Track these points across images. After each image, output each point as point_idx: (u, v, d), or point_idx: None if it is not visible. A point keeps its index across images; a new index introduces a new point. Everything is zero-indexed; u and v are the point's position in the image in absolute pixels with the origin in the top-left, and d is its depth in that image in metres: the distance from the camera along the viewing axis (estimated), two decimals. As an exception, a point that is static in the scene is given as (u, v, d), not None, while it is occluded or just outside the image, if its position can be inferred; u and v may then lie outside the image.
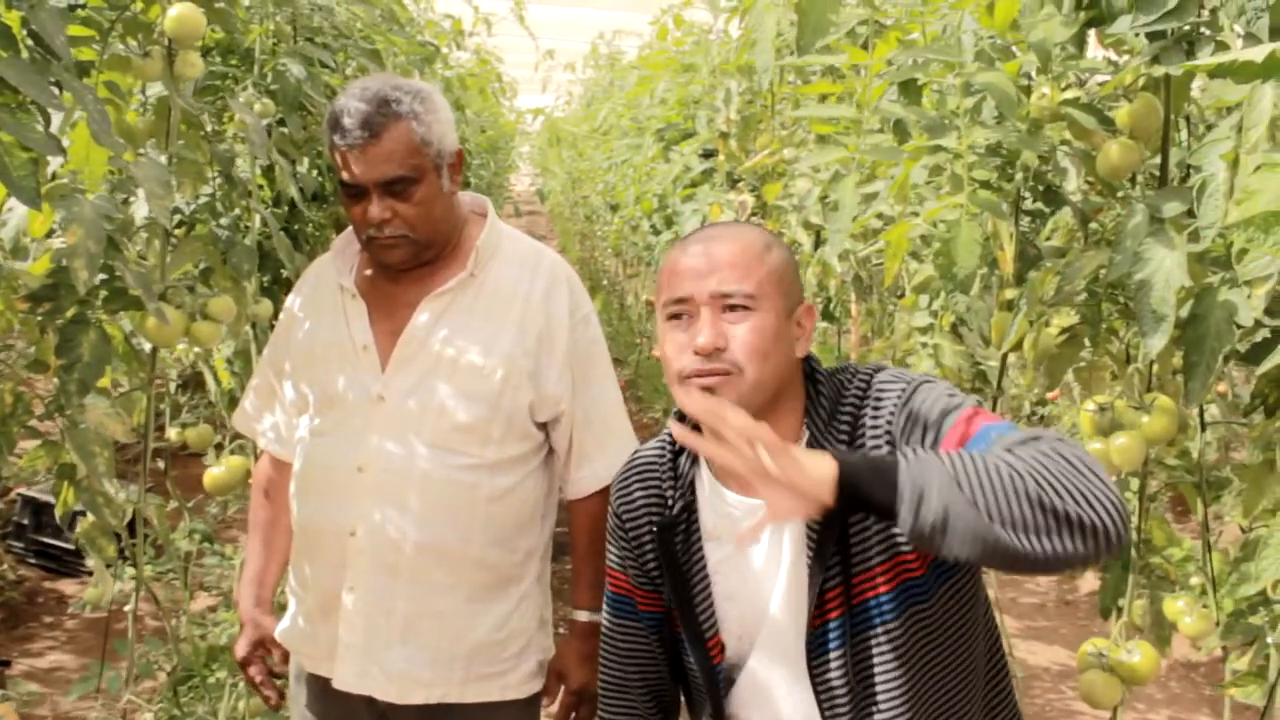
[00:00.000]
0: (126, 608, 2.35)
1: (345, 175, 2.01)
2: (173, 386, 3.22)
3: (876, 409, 1.54)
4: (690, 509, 1.67)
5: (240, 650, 2.27)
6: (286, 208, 3.05)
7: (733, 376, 1.52)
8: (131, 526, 3.03)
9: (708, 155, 4.97)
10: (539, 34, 8.88)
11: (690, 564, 1.66)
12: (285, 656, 2.28)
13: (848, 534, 1.54)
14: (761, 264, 1.56)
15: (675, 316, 1.57)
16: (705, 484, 1.67)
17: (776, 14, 1.86)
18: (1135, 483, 1.98)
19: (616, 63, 9.12)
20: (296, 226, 3.10)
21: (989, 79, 1.64)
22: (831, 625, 1.55)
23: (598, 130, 8.80)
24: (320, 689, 2.18)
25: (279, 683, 2.31)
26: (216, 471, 2.79)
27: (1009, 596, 5.43)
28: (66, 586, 5.14)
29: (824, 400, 1.59)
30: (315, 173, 3.26)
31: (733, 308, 1.53)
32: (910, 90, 1.81)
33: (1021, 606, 5.37)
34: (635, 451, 1.78)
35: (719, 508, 1.65)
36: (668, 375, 1.59)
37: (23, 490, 5.21)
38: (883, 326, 3.62)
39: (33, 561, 5.22)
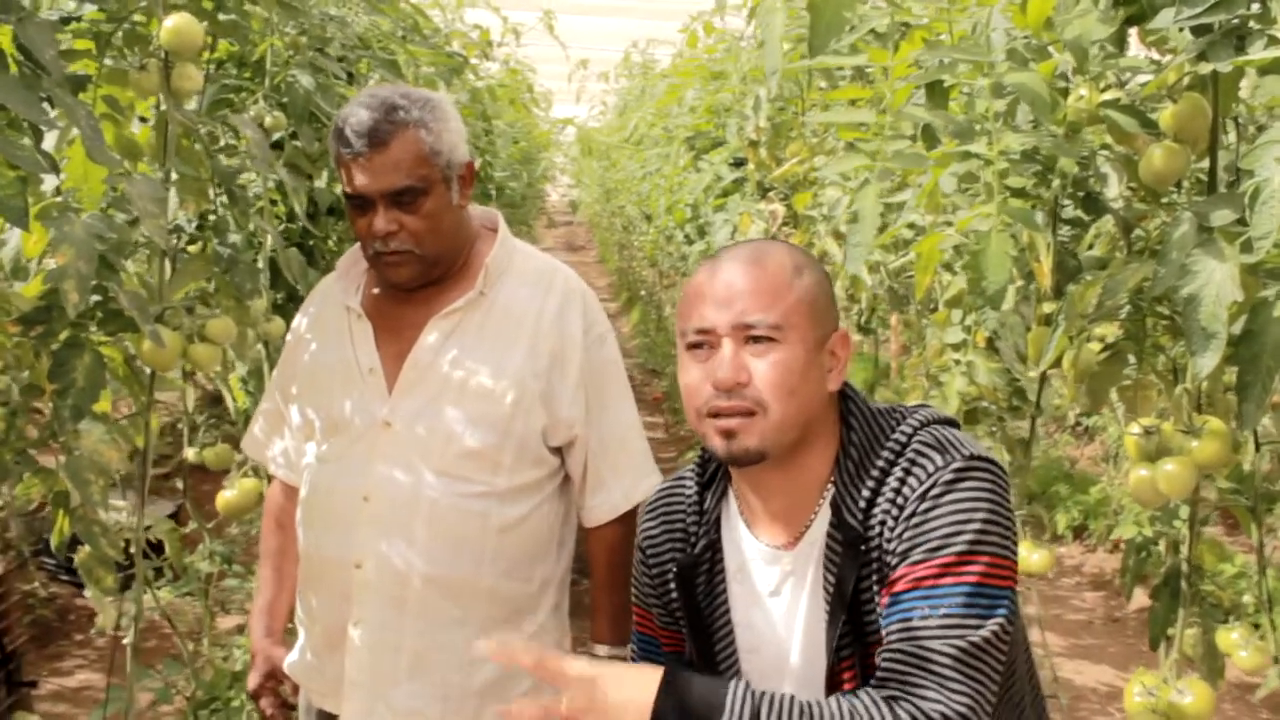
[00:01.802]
0: (125, 640, 2.28)
1: (350, 186, 1.93)
2: (191, 405, 3.14)
3: (904, 481, 1.40)
4: (715, 548, 1.56)
5: (251, 682, 2.21)
6: (301, 224, 2.97)
7: (755, 416, 1.41)
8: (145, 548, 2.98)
9: (739, 164, 4.87)
10: (571, 43, 8.82)
11: (713, 608, 1.56)
12: (296, 688, 2.21)
13: (859, 602, 1.42)
14: (790, 290, 1.43)
15: (696, 346, 1.45)
16: (732, 523, 1.56)
17: (784, 13, 1.76)
18: (1185, 509, 1.86)
19: (649, 71, 9.03)
20: (312, 242, 3.02)
21: (1020, 79, 1.52)
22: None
23: (630, 140, 8.73)
24: (328, 724, 2.10)
25: (292, 714, 2.24)
26: (229, 495, 2.72)
27: (1053, 613, 5.27)
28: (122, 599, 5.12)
29: (854, 449, 1.46)
30: (334, 186, 3.19)
31: (756, 339, 1.41)
32: (937, 93, 1.70)
33: (1067, 624, 5.22)
34: (663, 485, 1.67)
35: (743, 549, 1.54)
36: (687, 409, 1.48)
37: (53, 508, 5.20)
38: (922, 337, 3.50)
39: (64, 579, 5.19)
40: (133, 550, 3.17)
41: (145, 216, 1.83)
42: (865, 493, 1.42)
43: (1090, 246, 2.31)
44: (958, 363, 2.12)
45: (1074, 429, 6.60)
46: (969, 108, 1.66)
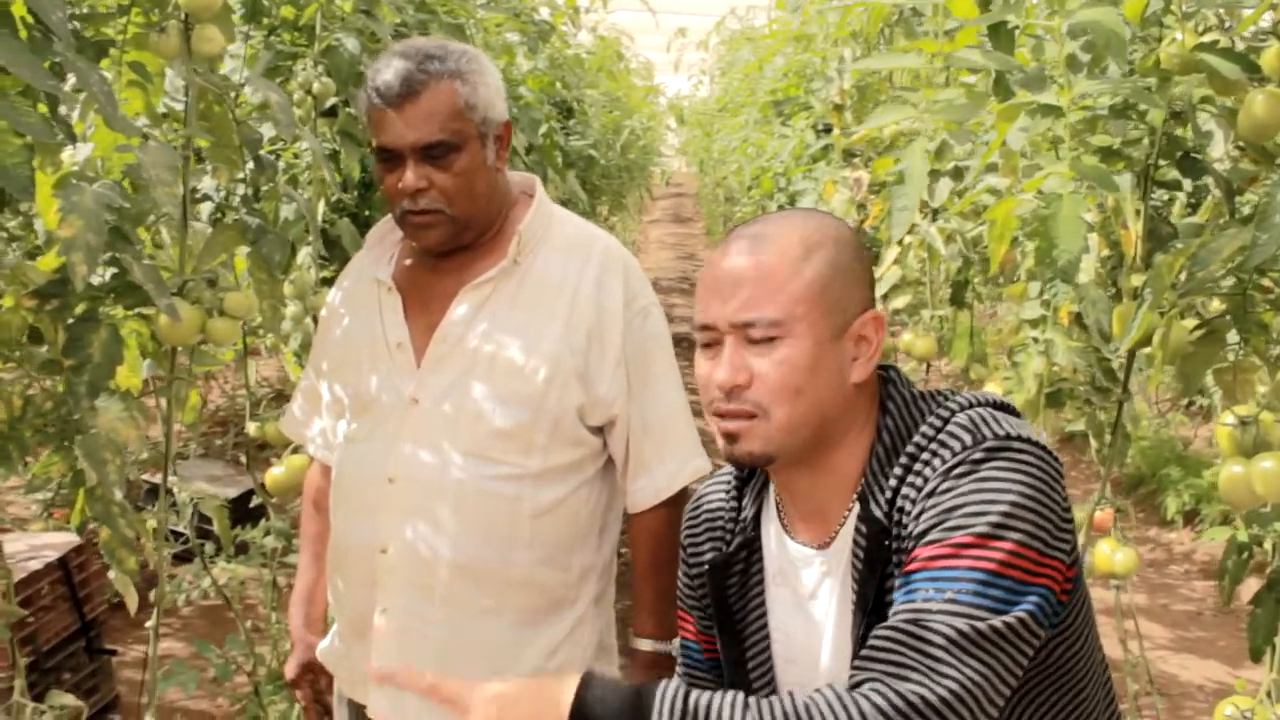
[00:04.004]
0: (148, 625, 2.23)
1: (379, 138, 1.81)
2: (252, 379, 3.10)
3: (928, 463, 1.24)
4: (752, 548, 1.43)
5: (289, 671, 2.13)
6: (356, 192, 2.89)
7: (757, 420, 1.27)
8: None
9: (828, 130, 4.69)
10: (670, 10, 8.66)
11: (746, 611, 1.43)
12: (330, 682, 2.13)
13: (887, 602, 1.26)
14: (794, 279, 1.27)
15: (705, 342, 1.32)
16: (770, 521, 1.43)
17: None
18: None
19: (745, 38, 8.83)
20: (367, 213, 2.93)
21: (1093, 16, 1.32)
22: None
23: (726, 109, 8.54)
24: (359, 716, 2.02)
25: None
26: (276, 472, 2.66)
27: (1160, 603, 5.00)
28: (186, 572, 5.18)
29: (887, 436, 1.31)
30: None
31: (758, 337, 1.27)
32: (1002, 36, 1.50)
33: (1174, 615, 4.93)
34: (709, 479, 1.54)
35: (780, 550, 1.41)
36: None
37: (145, 476, 5.26)
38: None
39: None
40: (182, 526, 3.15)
41: (157, 184, 1.74)
42: (893, 481, 1.27)
43: (1192, 212, 2.09)
44: (1036, 340, 1.92)
45: (1188, 408, 6.26)
46: (1039, 53, 1.47)
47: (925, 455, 1.25)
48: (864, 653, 1.18)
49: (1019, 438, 1.23)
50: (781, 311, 1.26)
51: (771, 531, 1.42)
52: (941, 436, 1.25)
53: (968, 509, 1.18)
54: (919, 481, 1.24)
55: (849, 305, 1.30)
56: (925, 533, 1.20)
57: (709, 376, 1.30)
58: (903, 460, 1.27)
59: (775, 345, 1.26)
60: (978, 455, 1.21)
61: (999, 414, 1.27)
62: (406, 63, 1.79)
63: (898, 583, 1.22)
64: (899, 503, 1.26)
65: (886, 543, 1.26)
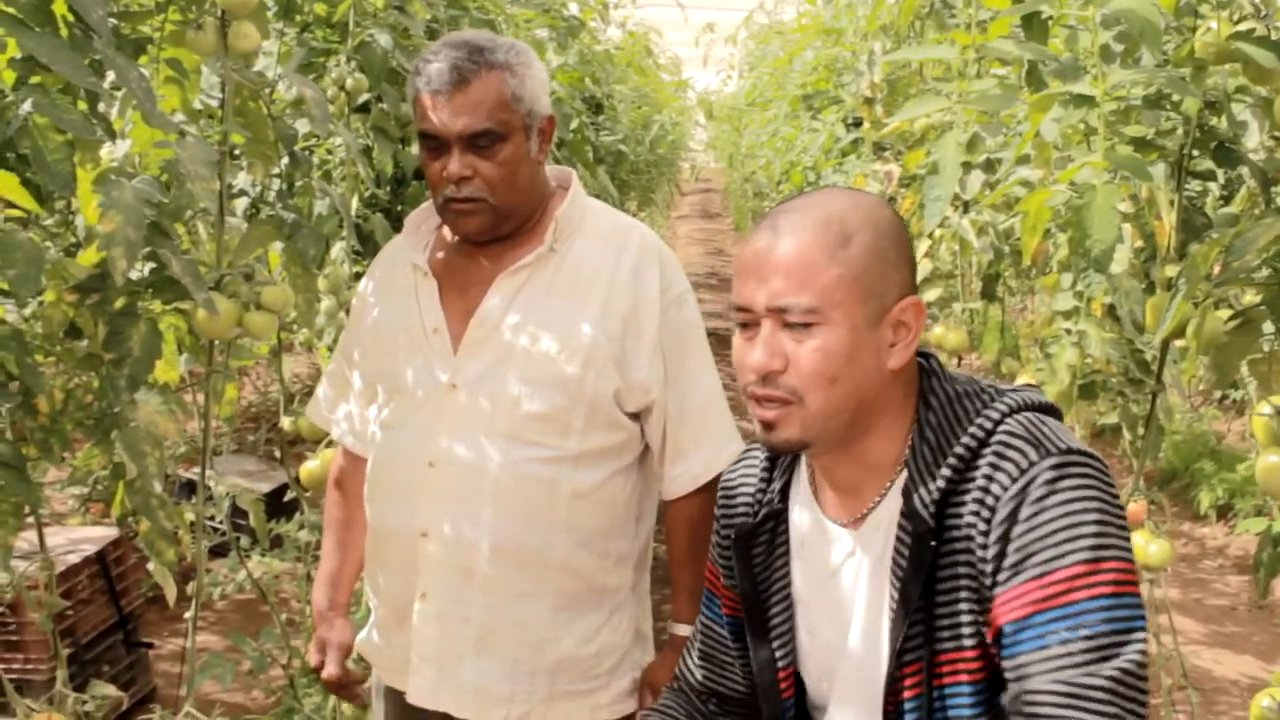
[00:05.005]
0: (186, 615, 2.25)
1: (426, 124, 1.84)
2: (286, 374, 3.13)
3: (991, 478, 1.24)
4: (779, 519, 1.44)
5: (313, 658, 2.15)
6: (389, 188, 2.91)
7: (793, 406, 1.27)
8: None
9: (858, 124, 4.67)
10: (699, 5, 8.64)
11: (770, 580, 1.44)
12: (349, 674, 2.15)
13: (934, 604, 1.27)
14: (832, 264, 1.26)
15: (743, 323, 1.32)
16: (801, 494, 1.44)
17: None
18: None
19: (775, 32, 8.80)
20: (400, 208, 2.95)
21: (1125, 5, 1.32)
22: (907, 706, 1.30)
23: (754, 103, 8.52)
24: (399, 703, 2.05)
25: (359, 690, 2.18)
26: (311, 465, 2.68)
27: (1193, 598, 4.96)
28: (222, 566, 5.23)
29: (930, 432, 1.30)
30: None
31: (793, 323, 1.27)
32: (1036, 26, 1.50)
33: (1208, 609, 4.90)
34: (751, 443, 1.55)
35: (807, 523, 1.42)
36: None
37: (180, 471, 5.31)
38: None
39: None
40: (218, 521, 3.18)
41: (194, 179, 1.76)
42: (940, 482, 1.27)
43: (1226, 203, 2.08)
44: (1069, 332, 1.92)
45: (1221, 402, 6.20)
46: (1073, 43, 1.46)
47: (984, 466, 1.24)
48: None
49: (1077, 450, 1.23)
50: (817, 299, 1.25)
51: (800, 504, 1.43)
52: (997, 445, 1.25)
53: (1060, 537, 1.19)
54: (988, 500, 1.23)
55: (887, 291, 1.29)
56: (1018, 566, 1.20)
57: (745, 358, 1.30)
58: (952, 461, 1.26)
59: (811, 331, 1.26)
60: (1048, 475, 1.21)
61: (1049, 420, 1.27)
62: (457, 53, 1.82)
63: (1008, 627, 1.21)
64: (964, 514, 1.25)
65: (934, 543, 1.26)
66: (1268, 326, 1.72)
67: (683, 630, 1.98)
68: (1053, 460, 1.21)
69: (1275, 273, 1.67)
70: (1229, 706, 4.08)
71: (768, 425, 1.29)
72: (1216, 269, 1.53)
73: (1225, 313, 1.70)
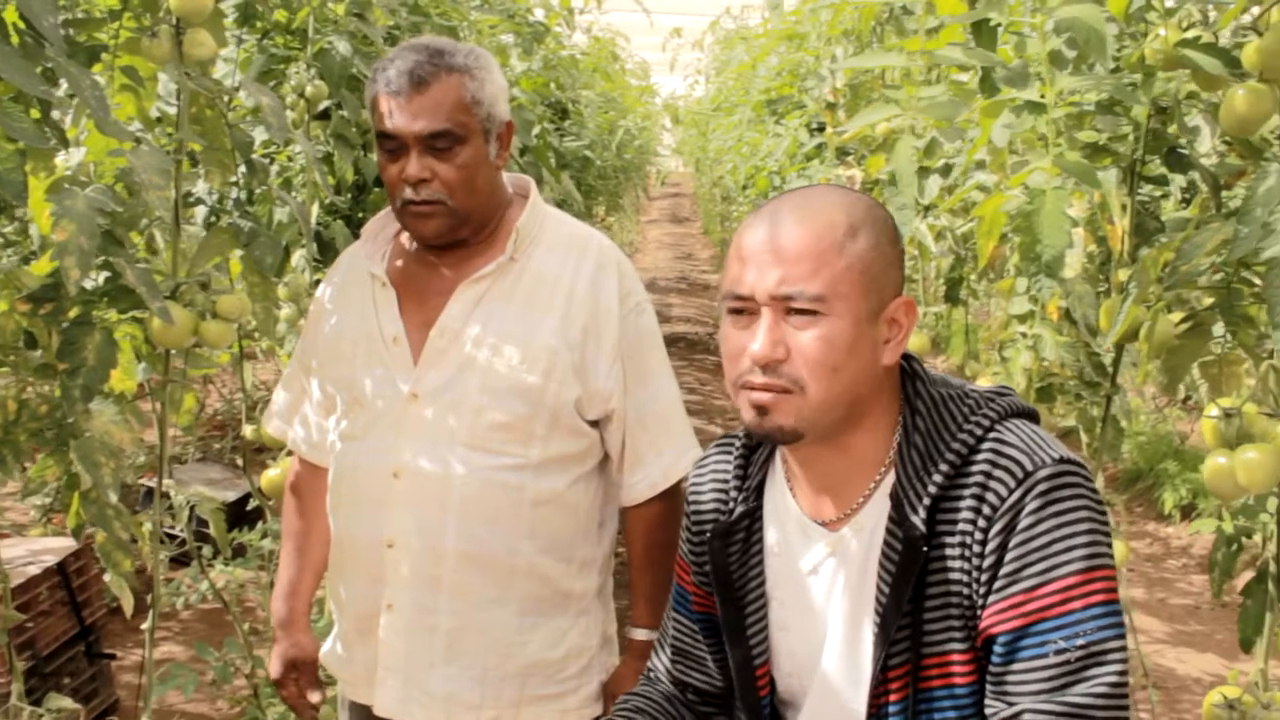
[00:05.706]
0: (144, 626, 2.23)
1: (384, 126, 1.84)
2: (251, 381, 3.11)
3: (986, 487, 1.25)
4: (754, 516, 1.44)
5: (274, 670, 2.14)
6: (350, 195, 2.90)
7: (792, 395, 1.26)
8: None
9: (822, 129, 4.69)
10: (665, 10, 8.66)
11: (746, 579, 1.44)
12: (311, 679, 2.14)
13: (921, 609, 1.28)
14: (839, 256, 1.26)
15: (736, 311, 1.31)
16: (777, 491, 1.43)
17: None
18: (1273, 500, 1.65)
19: (744, 38, 8.83)
20: (361, 215, 2.94)
21: (1073, 13, 1.33)
22: (891, 709, 1.30)
23: (720, 108, 8.54)
24: (364, 716, 2.02)
25: (320, 702, 2.17)
26: (273, 473, 2.67)
27: (1158, 598, 5.00)
28: (185, 575, 5.18)
29: (919, 437, 1.31)
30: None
31: (798, 311, 1.26)
32: (985, 33, 1.51)
33: (1172, 609, 4.94)
34: (722, 437, 1.55)
35: (784, 521, 1.41)
36: (726, 377, 1.35)
37: (144, 480, 5.26)
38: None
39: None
40: (179, 530, 3.15)
41: (149, 188, 1.75)
42: (932, 488, 1.27)
43: (1186, 206, 2.10)
44: (1024, 336, 1.93)
45: (1185, 403, 6.26)
46: (1021, 49, 1.48)
47: (977, 474, 1.26)
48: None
49: (1068, 459, 1.25)
50: (825, 288, 1.25)
51: (776, 500, 1.43)
52: (991, 455, 1.26)
53: (1057, 548, 1.21)
54: (984, 509, 1.25)
55: (886, 288, 1.30)
56: (1014, 575, 1.22)
57: (741, 348, 1.29)
58: (944, 468, 1.27)
59: (816, 321, 1.26)
60: (1044, 485, 1.23)
61: (1038, 428, 1.29)
62: (416, 56, 1.83)
63: (1003, 635, 1.23)
64: (959, 522, 1.26)
65: (925, 549, 1.27)
66: (1219, 329, 1.74)
67: (641, 635, 1.99)
68: (1048, 470, 1.23)
69: (1224, 276, 1.69)
70: (1192, 705, 4.12)
71: (761, 410, 1.28)
72: (1167, 272, 1.55)
73: (1176, 316, 1.72)
